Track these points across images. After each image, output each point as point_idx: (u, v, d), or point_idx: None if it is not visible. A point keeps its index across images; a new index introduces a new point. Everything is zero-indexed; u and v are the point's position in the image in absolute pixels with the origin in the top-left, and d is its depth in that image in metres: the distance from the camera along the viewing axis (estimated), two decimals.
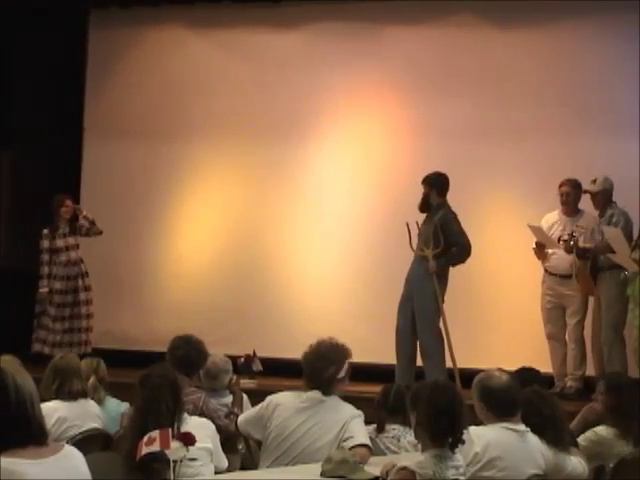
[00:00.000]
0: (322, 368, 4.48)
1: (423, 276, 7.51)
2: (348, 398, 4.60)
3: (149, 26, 9.80)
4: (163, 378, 4.13)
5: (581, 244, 7.47)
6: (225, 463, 4.38)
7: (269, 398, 4.57)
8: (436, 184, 7.61)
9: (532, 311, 7.88)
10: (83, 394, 5.21)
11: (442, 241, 7.43)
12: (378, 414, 4.99)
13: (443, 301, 7.50)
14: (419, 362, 7.60)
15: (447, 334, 7.46)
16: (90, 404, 5.26)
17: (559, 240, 7.61)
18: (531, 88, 8.59)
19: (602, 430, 4.76)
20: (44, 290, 8.51)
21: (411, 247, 7.65)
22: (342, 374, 4.53)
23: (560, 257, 7.64)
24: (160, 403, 4.01)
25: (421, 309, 7.52)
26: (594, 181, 7.50)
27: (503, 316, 8.39)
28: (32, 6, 9.36)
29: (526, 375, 5.12)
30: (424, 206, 7.66)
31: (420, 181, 7.67)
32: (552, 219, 7.81)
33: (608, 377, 5.25)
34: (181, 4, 9.60)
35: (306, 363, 4.56)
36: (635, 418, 4.70)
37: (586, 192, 7.54)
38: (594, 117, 8.46)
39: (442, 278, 7.53)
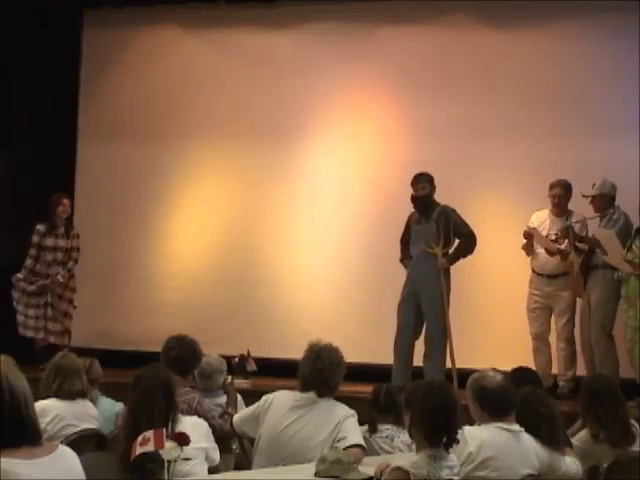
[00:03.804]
0: (316, 372, 4.48)
1: (430, 275, 7.47)
2: (341, 398, 4.59)
3: (143, 26, 9.80)
4: (155, 379, 4.11)
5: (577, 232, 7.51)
6: (217, 458, 4.35)
7: (265, 396, 4.58)
8: (433, 182, 7.61)
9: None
10: (82, 394, 5.20)
11: (452, 236, 7.43)
12: (370, 414, 4.99)
13: (449, 299, 7.50)
14: (415, 362, 7.59)
15: (449, 334, 7.47)
16: (88, 405, 5.25)
17: (546, 237, 7.65)
18: (526, 88, 8.60)
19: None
20: (17, 277, 8.55)
21: (420, 246, 7.59)
22: (338, 378, 4.55)
23: (547, 257, 7.66)
24: (152, 405, 3.99)
25: (431, 308, 7.49)
26: (593, 186, 7.50)
27: (498, 316, 8.39)
28: (26, 6, 9.34)
29: (522, 375, 5.12)
30: (424, 203, 7.55)
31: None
32: (542, 217, 7.82)
33: (584, 381, 5.26)
34: (175, 4, 9.60)
35: (302, 366, 4.56)
36: (607, 422, 4.70)
37: (584, 196, 7.54)
38: (591, 117, 8.46)
39: (447, 275, 7.53)
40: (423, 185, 7.54)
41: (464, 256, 7.58)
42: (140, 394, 4.07)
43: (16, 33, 9.57)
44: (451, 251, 7.57)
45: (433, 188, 7.58)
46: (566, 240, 7.52)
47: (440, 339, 7.47)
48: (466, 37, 8.84)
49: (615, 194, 7.50)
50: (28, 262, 8.58)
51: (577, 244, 7.51)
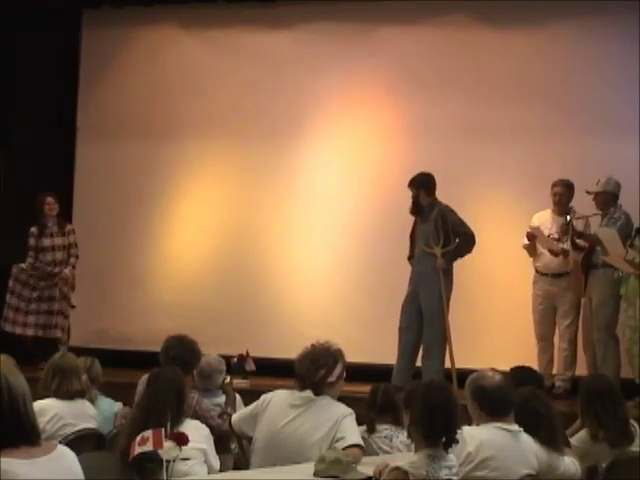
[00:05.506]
0: (311, 370, 4.49)
1: (430, 274, 7.47)
2: (341, 398, 4.60)
3: (142, 25, 9.80)
4: (172, 382, 4.21)
5: (578, 228, 7.51)
6: (217, 465, 4.38)
7: (264, 396, 4.59)
8: (423, 185, 7.61)
9: (526, 311, 7.88)
10: (81, 394, 5.20)
11: (451, 236, 7.41)
12: (367, 414, 5.00)
13: (449, 299, 7.48)
14: (417, 362, 7.59)
15: (449, 334, 7.45)
16: (87, 405, 5.25)
17: (548, 237, 7.65)
18: (526, 88, 8.59)
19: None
20: (24, 265, 8.55)
21: (420, 246, 7.60)
22: (332, 378, 4.53)
23: (551, 257, 7.66)
24: (165, 405, 4.08)
25: (429, 308, 7.49)
26: (598, 182, 7.50)
27: (497, 316, 8.39)
28: (26, 6, 9.34)
29: (521, 374, 5.11)
30: (415, 209, 7.66)
31: None
32: (543, 217, 7.83)
33: (583, 381, 5.26)
34: (174, 3, 9.60)
35: (297, 365, 4.57)
36: (606, 422, 4.70)
37: (588, 193, 7.54)
38: (591, 117, 8.46)
39: (448, 275, 7.52)
40: (412, 191, 7.61)
41: (462, 255, 7.57)
42: (155, 393, 4.14)
43: (16, 33, 9.57)
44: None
45: (426, 191, 7.58)
46: (566, 236, 7.52)
47: (438, 339, 7.46)
48: (466, 37, 8.84)
49: (619, 192, 7.50)
50: (26, 264, 8.56)
51: (577, 240, 7.52)
